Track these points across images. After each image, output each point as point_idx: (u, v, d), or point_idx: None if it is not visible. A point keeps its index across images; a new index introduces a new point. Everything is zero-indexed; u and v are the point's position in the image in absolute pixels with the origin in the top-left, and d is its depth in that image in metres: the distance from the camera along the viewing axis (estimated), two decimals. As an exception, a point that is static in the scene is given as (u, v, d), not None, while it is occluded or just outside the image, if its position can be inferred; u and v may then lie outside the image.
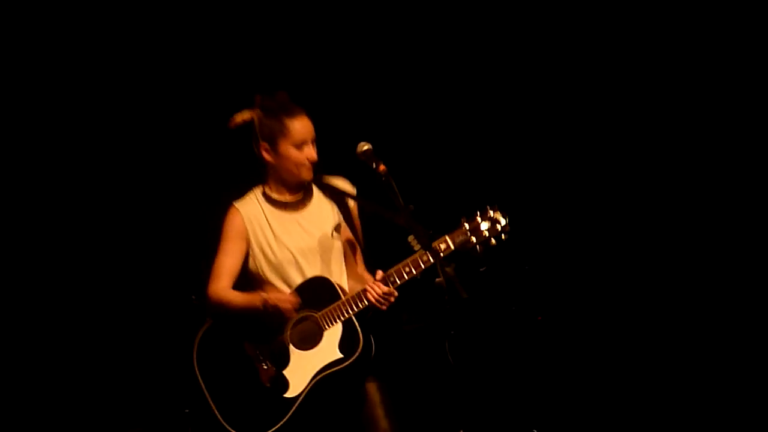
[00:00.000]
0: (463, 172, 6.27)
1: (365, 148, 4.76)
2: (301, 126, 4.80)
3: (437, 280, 4.67)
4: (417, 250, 4.65)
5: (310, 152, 4.83)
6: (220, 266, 4.87)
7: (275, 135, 4.81)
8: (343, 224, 4.93)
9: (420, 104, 6.37)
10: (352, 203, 4.94)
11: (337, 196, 4.94)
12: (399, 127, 6.31)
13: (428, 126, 6.37)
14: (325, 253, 4.89)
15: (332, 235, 4.91)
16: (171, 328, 5.76)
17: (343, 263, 4.93)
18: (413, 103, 6.37)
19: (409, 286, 4.73)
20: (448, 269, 4.61)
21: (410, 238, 4.68)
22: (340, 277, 4.90)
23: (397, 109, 6.36)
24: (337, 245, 4.92)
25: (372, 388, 4.80)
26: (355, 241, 4.95)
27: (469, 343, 4.75)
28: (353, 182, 4.93)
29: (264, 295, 4.77)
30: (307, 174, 4.86)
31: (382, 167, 4.72)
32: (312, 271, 4.86)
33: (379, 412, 4.78)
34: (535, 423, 5.78)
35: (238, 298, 4.83)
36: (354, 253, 4.96)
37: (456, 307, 4.60)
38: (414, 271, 4.67)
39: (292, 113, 4.81)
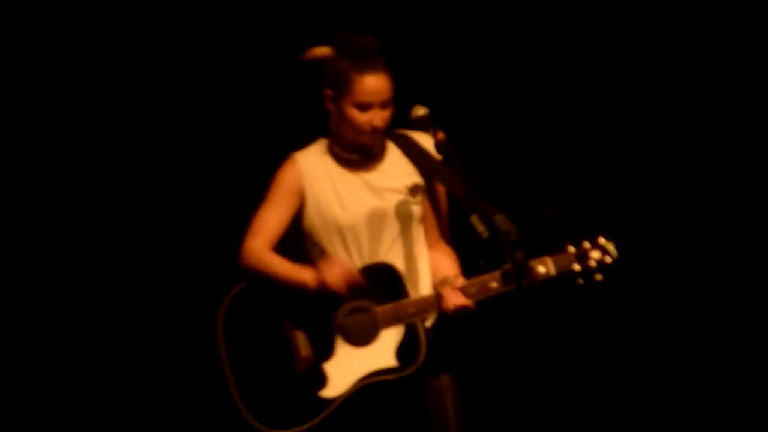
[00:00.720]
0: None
1: (421, 113, 4.08)
2: (370, 85, 4.07)
3: (504, 267, 4.05)
4: (482, 232, 4.00)
5: (375, 117, 4.10)
6: (261, 221, 4.16)
7: (340, 85, 4.11)
8: (424, 186, 4.22)
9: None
10: (424, 161, 4.20)
11: (417, 153, 4.20)
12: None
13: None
14: (398, 220, 4.17)
15: (409, 199, 4.18)
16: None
17: (422, 232, 4.24)
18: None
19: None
20: (517, 254, 3.95)
21: (473, 219, 4.02)
22: (418, 250, 4.21)
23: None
24: (416, 211, 4.19)
25: (445, 378, 4.15)
26: (438, 206, 4.26)
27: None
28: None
29: (315, 271, 4.08)
30: (366, 140, 4.15)
31: (441, 135, 4.03)
32: (380, 241, 4.16)
33: (449, 404, 4.14)
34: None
35: (280, 265, 4.14)
36: (437, 221, 4.26)
37: (525, 298, 3.96)
38: (504, 290, 4.05)
39: (364, 66, 4.07)
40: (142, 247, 5.64)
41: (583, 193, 5.72)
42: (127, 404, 5.58)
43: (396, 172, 4.23)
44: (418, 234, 4.25)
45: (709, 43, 5.68)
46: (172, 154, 5.65)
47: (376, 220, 4.17)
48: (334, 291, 4.08)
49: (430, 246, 4.27)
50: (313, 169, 4.20)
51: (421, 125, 4.08)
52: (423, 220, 4.25)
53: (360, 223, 4.16)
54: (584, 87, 5.76)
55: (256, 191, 4.26)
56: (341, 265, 4.11)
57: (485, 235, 3.99)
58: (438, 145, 4.05)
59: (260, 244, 4.16)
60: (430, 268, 4.24)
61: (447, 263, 4.25)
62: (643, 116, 5.76)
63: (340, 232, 4.18)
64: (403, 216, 4.20)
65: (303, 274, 4.13)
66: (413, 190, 4.21)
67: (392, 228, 4.19)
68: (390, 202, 4.18)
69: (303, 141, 4.31)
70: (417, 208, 4.22)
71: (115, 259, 5.62)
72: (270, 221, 4.18)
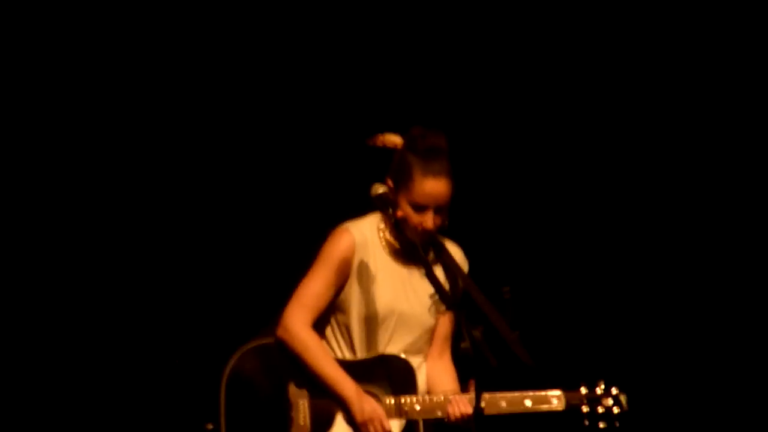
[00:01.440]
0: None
1: (380, 191, 4.13)
2: (429, 188, 4.09)
3: (462, 345, 4.04)
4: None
5: (427, 219, 4.12)
6: (310, 293, 4.12)
7: (401, 180, 4.13)
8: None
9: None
10: (460, 279, 4.21)
11: (447, 265, 4.22)
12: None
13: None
14: (418, 326, 4.22)
15: (433, 309, 4.23)
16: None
17: (428, 346, 4.29)
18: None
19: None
20: (475, 333, 3.97)
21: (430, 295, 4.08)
22: (421, 359, 4.26)
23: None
24: (431, 324, 4.26)
25: None
26: (449, 323, 4.30)
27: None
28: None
29: (357, 392, 4.08)
30: (413, 237, 4.14)
31: (400, 213, 4.11)
32: (397, 342, 4.19)
33: None
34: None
35: (325, 361, 4.11)
36: (442, 338, 4.31)
37: (484, 376, 3.97)
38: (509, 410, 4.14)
39: (427, 169, 4.09)
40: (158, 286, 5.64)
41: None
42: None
43: (432, 279, 4.20)
44: (426, 344, 4.29)
45: (701, 57, 5.76)
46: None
47: (400, 320, 4.20)
48: (361, 424, 4.10)
49: (434, 358, 4.31)
50: (364, 247, 4.20)
51: (381, 203, 4.12)
52: (435, 332, 4.31)
53: (385, 318, 4.19)
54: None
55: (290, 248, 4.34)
56: (383, 418, 4.12)
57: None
58: (396, 222, 4.12)
59: (306, 319, 4.14)
60: (431, 380, 4.28)
61: (447, 378, 4.29)
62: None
63: (366, 319, 4.19)
64: (423, 324, 4.25)
65: (345, 387, 4.11)
66: (438, 303, 4.23)
67: (410, 332, 4.23)
68: (417, 308, 4.22)
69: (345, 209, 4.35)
70: (434, 321, 4.27)
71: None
72: (319, 294, 4.15)
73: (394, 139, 4.22)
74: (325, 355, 4.13)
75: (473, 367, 3.98)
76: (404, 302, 4.19)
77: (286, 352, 4.14)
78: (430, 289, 4.18)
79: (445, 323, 4.30)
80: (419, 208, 4.11)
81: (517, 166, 5.83)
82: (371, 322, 4.18)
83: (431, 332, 4.28)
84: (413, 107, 5.54)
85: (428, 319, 4.24)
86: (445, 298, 4.07)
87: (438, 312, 4.25)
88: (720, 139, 5.79)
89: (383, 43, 5.74)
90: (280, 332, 4.14)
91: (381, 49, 5.74)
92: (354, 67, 5.73)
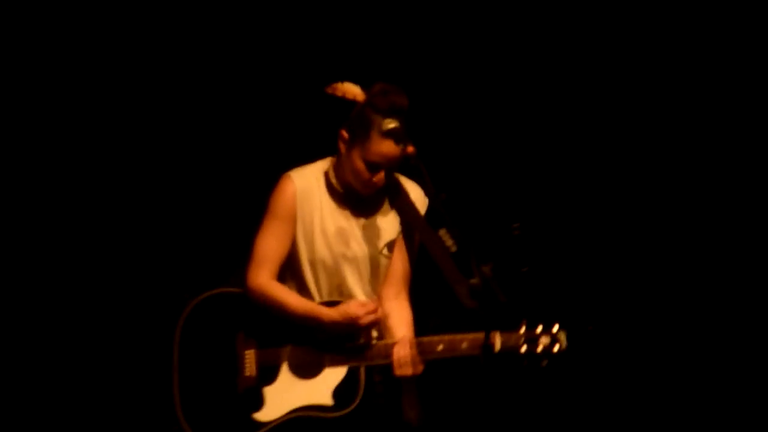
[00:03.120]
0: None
1: (391, 126, 4.06)
2: (386, 149, 4.06)
3: (472, 281, 4.03)
4: (450, 246, 4.03)
5: (378, 178, 4.11)
6: (264, 250, 4.16)
7: (358, 135, 4.09)
8: (399, 241, 4.26)
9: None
10: (407, 215, 4.21)
11: (403, 206, 4.20)
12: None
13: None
14: (367, 270, 4.23)
15: (383, 251, 4.23)
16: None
17: (380, 286, 4.28)
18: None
19: (439, 285, 4.13)
20: (484, 268, 3.95)
21: (442, 233, 4.05)
22: (372, 301, 4.24)
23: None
24: (384, 264, 4.25)
25: None
26: (405, 263, 4.29)
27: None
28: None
29: (330, 307, 4.11)
30: (363, 190, 4.15)
31: (410, 149, 4.04)
32: (343, 283, 4.20)
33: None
34: None
35: (292, 299, 4.14)
36: (397, 278, 4.29)
37: (493, 312, 3.95)
38: (450, 354, 4.08)
39: (384, 130, 4.05)
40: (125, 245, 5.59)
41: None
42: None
43: (381, 223, 4.25)
44: (376, 285, 4.28)
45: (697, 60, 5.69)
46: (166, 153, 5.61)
47: (348, 263, 4.21)
48: (351, 323, 4.10)
49: (389, 299, 4.29)
50: (307, 194, 4.19)
51: (392, 137, 4.08)
52: (386, 273, 4.28)
53: (333, 262, 4.19)
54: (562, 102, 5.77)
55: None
56: (362, 304, 4.13)
57: (453, 249, 4.03)
58: (408, 158, 4.06)
59: (267, 275, 4.16)
60: (385, 322, 4.24)
61: (401, 321, 4.26)
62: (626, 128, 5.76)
63: (312, 264, 4.20)
64: (372, 266, 4.24)
65: (318, 309, 4.13)
66: (389, 245, 4.25)
67: (359, 274, 4.23)
68: (366, 250, 4.22)
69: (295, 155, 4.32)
70: (386, 262, 4.26)
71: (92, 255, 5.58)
72: (272, 248, 4.17)
73: (354, 90, 4.16)
74: (289, 296, 4.15)
75: (482, 303, 3.97)
76: (353, 245, 4.20)
77: (255, 310, 4.18)
78: (383, 228, 4.22)
79: (399, 263, 4.28)
80: (373, 167, 4.10)
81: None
82: (321, 267, 4.19)
83: (386, 272, 4.28)
84: (377, 59, 5.46)
85: (383, 260, 4.25)
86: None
87: (390, 252, 4.25)
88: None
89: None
90: (248, 294, 4.18)
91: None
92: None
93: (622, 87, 5.66)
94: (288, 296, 4.16)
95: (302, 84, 5.38)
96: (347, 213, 4.22)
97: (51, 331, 5.50)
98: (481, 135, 5.68)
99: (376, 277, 4.27)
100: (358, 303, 4.13)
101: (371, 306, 4.13)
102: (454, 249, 4.03)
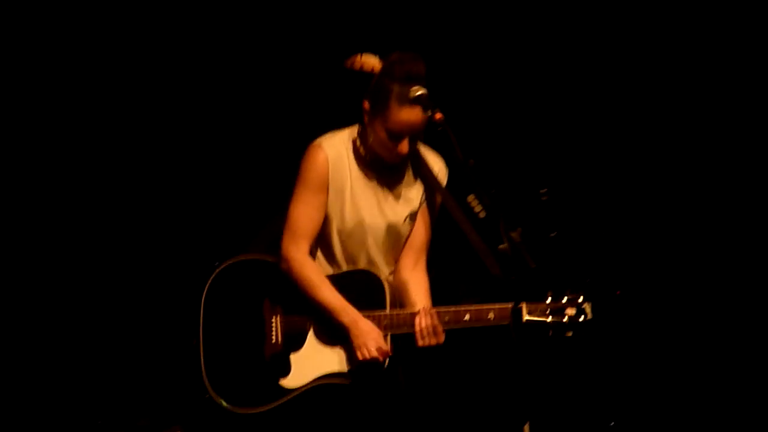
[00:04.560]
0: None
1: (419, 92, 4.05)
2: (406, 118, 4.06)
3: (500, 246, 4.02)
4: (479, 212, 4.03)
5: (401, 146, 4.10)
6: (301, 219, 4.16)
7: (379, 106, 4.09)
8: (422, 210, 4.28)
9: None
10: (430, 185, 4.25)
11: (426, 177, 4.23)
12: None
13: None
14: (390, 240, 4.24)
15: (405, 221, 4.25)
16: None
17: (399, 255, 4.30)
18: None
19: (468, 253, 4.14)
20: (513, 234, 3.96)
21: (470, 198, 4.05)
22: (390, 270, 4.30)
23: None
24: (405, 233, 4.27)
25: None
26: (426, 233, 4.30)
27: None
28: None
29: (358, 317, 4.13)
30: (389, 158, 4.15)
31: (438, 115, 4.02)
32: (365, 251, 4.22)
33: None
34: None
35: (327, 293, 4.14)
36: (417, 247, 4.30)
37: (523, 279, 3.96)
38: (476, 324, 4.10)
39: (404, 99, 4.04)
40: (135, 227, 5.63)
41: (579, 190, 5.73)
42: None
43: (405, 192, 4.25)
44: (396, 254, 4.29)
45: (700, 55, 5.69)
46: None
47: (373, 231, 4.22)
48: (358, 347, 4.13)
49: (408, 268, 4.30)
50: (338, 162, 4.19)
51: (419, 104, 4.06)
52: (405, 242, 4.30)
53: (360, 230, 4.21)
54: (585, 83, 5.75)
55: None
56: (381, 342, 4.14)
57: (482, 215, 4.03)
58: (435, 125, 4.05)
59: (304, 248, 4.17)
60: (403, 292, 4.27)
61: (419, 290, 4.28)
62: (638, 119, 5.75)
63: (340, 232, 4.21)
64: (394, 234, 4.26)
65: (343, 314, 4.14)
66: (412, 215, 4.26)
67: (382, 242, 4.24)
68: (391, 218, 4.23)
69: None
70: (406, 231, 4.27)
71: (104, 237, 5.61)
72: (308, 217, 4.17)
73: (372, 62, 4.17)
74: (323, 284, 4.16)
75: (512, 268, 3.97)
76: (378, 214, 4.21)
77: (289, 281, 4.18)
78: (407, 198, 4.23)
79: (420, 232, 4.30)
80: (394, 136, 4.09)
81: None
82: (348, 235, 4.20)
83: (406, 242, 4.29)
84: (395, 30, 5.45)
85: (405, 229, 4.26)
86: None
87: (412, 221, 4.27)
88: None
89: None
90: (282, 265, 4.18)
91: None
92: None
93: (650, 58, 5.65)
94: (321, 284, 4.17)
95: (323, 59, 5.39)
96: (374, 181, 4.23)
97: (81, 305, 5.55)
98: (507, 101, 5.67)
99: (396, 246, 4.29)
100: (378, 346, 4.12)
101: (385, 352, 4.13)
102: (483, 215, 4.04)
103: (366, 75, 4.15)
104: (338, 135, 4.24)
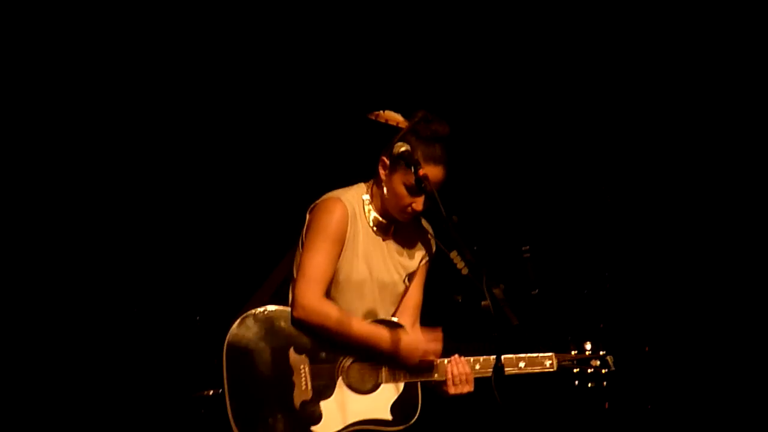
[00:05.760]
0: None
1: (402, 149, 4.14)
2: (428, 174, 4.13)
3: (483, 303, 4.04)
4: (461, 268, 4.08)
5: (417, 204, 4.19)
6: (317, 268, 4.18)
7: (399, 161, 4.17)
8: (419, 271, 4.38)
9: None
10: (428, 250, 4.38)
11: (420, 238, 4.36)
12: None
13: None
14: (391, 296, 4.32)
15: (405, 280, 4.34)
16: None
17: (397, 314, 4.37)
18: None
19: (451, 306, 4.19)
20: (496, 291, 3.99)
21: (453, 255, 4.11)
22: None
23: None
24: (402, 291, 4.35)
25: None
26: (420, 294, 4.39)
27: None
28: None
29: (413, 338, 4.20)
30: (400, 216, 4.25)
31: (422, 171, 4.11)
32: (372, 308, 4.28)
33: None
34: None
35: (356, 323, 4.19)
36: (413, 307, 4.39)
37: (504, 335, 3.98)
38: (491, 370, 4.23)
39: (428, 157, 4.15)
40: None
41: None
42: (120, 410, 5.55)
43: (407, 252, 4.36)
44: (391, 310, 4.37)
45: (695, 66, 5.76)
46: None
47: (377, 287, 4.30)
48: (423, 355, 4.22)
49: (407, 327, 4.32)
50: (354, 217, 4.27)
51: (403, 159, 4.14)
52: (402, 302, 4.39)
53: (364, 285, 4.27)
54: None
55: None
56: (429, 344, 4.24)
57: (465, 271, 4.08)
58: (419, 180, 4.11)
59: (319, 294, 4.19)
60: None
61: None
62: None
63: (347, 285, 4.26)
64: (394, 292, 4.34)
65: (379, 333, 4.21)
66: (411, 275, 4.36)
67: (382, 297, 4.31)
68: (393, 276, 4.32)
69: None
70: (403, 290, 4.36)
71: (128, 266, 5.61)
72: (324, 267, 4.21)
73: (397, 117, 4.26)
74: (348, 319, 4.20)
75: (494, 325, 3.99)
76: (383, 270, 4.29)
77: (305, 328, 4.20)
78: (409, 258, 4.33)
79: (416, 292, 4.39)
80: (414, 191, 4.15)
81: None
82: (354, 287, 4.26)
83: (402, 301, 4.38)
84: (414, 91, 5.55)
85: (402, 288, 4.35)
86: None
87: (410, 281, 4.36)
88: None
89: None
90: (297, 312, 4.19)
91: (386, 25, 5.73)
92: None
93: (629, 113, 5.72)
94: (347, 317, 4.21)
95: (342, 110, 5.48)
96: (380, 239, 4.31)
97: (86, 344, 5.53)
98: (490, 158, 5.72)
99: (393, 303, 4.35)
100: (431, 337, 4.23)
101: (439, 335, 4.23)
102: (465, 271, 4.08)
103: (388, 128, 4.24)
104: (351, 191, 4.32)
